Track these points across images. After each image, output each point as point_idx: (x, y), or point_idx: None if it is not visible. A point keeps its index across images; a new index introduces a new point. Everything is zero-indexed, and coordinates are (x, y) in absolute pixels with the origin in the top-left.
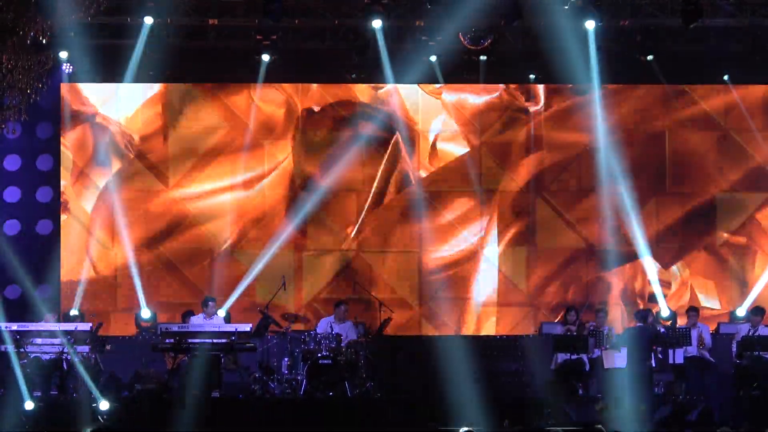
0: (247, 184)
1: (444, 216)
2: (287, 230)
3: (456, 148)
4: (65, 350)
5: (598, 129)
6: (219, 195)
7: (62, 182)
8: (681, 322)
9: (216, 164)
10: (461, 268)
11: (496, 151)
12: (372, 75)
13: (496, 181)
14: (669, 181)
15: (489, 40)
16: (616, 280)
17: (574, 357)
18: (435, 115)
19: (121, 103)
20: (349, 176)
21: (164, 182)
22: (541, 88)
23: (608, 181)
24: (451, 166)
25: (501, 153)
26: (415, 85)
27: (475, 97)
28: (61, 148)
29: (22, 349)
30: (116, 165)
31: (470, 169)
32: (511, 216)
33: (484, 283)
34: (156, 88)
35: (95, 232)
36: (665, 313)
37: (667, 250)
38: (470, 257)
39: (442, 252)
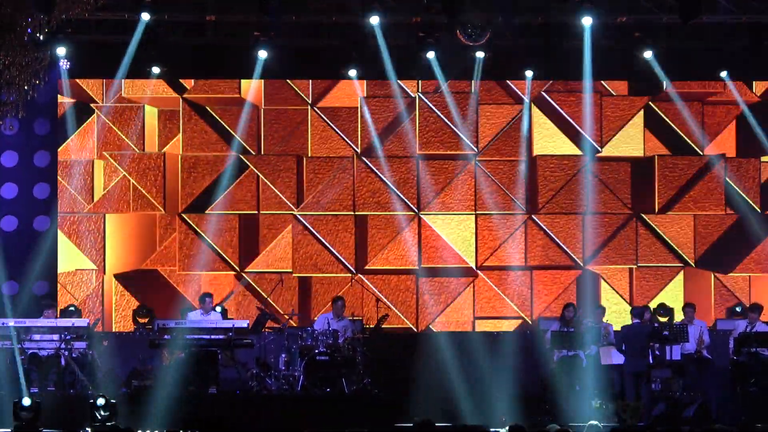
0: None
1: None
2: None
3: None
4: (63, 346)
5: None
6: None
7: (59, 180)
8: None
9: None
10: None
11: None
12: (370, 72)
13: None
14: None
15: (486, 37)
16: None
17: (571, 353)
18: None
19: (119, 103)
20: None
21: (161, 187)
22: (538, 90)
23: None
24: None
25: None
26: (416, 90)
27: (474, 102)
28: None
29: (19, 345)
30: (112, 164)
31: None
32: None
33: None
34: (154, 88)
35: (92, 234)
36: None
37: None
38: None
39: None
